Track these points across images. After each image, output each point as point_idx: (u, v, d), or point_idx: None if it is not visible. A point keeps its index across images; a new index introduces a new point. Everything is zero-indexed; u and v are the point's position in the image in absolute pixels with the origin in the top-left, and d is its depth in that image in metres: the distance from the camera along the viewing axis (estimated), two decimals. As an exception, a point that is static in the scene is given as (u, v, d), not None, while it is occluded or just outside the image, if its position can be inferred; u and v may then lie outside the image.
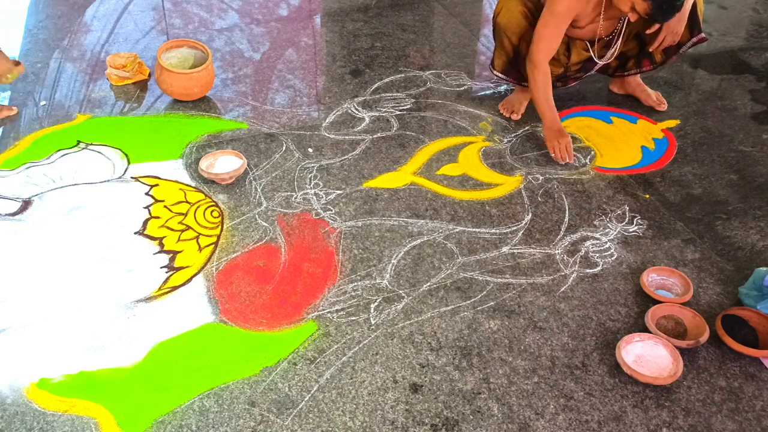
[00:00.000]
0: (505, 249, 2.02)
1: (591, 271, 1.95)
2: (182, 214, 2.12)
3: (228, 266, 1.94)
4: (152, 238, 2.02)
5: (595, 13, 2.31)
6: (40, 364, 1.66)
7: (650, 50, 2.45)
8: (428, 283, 1.90)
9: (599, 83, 2.84)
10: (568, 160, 2.35)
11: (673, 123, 2.64)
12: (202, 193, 2.22)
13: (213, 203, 2.17)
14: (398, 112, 2.65)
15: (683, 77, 2.96)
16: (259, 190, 2.23)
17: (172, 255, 1.97)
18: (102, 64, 2.92)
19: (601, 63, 2.50)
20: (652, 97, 2.69)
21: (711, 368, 1.68)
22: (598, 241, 2.06)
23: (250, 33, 3.27)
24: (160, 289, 1.86)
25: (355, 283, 1.89)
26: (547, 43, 2.31)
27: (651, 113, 2.69)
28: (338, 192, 2.23)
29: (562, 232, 2.09)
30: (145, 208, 2.14)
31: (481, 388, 1.62)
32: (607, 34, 2.41)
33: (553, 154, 2.38)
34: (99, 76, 2.86)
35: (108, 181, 2.26)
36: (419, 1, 3.60)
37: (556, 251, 2.02)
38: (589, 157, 2.44)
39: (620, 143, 2.51)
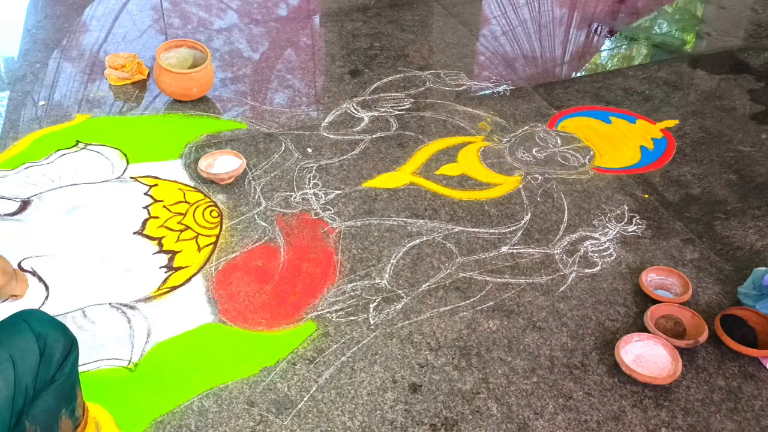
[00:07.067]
0: (504, 249, 2.02)
1: (590, 270, 1.96)
2: (181, 214, 2.11)
3: (227, 266, 1.94)
4: (151, 238, 2.02)
5: None
6: (39, 364, 1.65)
7: None
8: (427, 283, 1.89)
9: (598, 83, 2.84)
10: None
11: (672, 123, 2.64)
12: (201, 193, 2.21)
13: (212, 203, 2.17)
14: (397, 112, 2.65)
15: (682, 77, 2.96)
16: (258, 190, 2.23)
17: (171, 255, 1.97)
18: (101, 64, 2.92)
19: None
20: None
21: (710, 368, 1.68)
22: (597, 241, 2.06)
23: (249, 33, 3.27)
24: (159, 289, 1.86)
25: (354, 283, 1.89)
26: None
27: (650, 113, 2.69)
28: (337, 192, 2.23)
29: (561, 232, 2.09)
30: (144, 208, 2.14)
31: (480, 387, 1.62)
32: None
33: None
34: (98, 76, 2.86)
35: (107, 181, 2.26)
36: (418, 0, 3.60)
37: (555, 251, 2.02)
38: (588, 157, 2.44)
39: (619, 143, 2.51)
